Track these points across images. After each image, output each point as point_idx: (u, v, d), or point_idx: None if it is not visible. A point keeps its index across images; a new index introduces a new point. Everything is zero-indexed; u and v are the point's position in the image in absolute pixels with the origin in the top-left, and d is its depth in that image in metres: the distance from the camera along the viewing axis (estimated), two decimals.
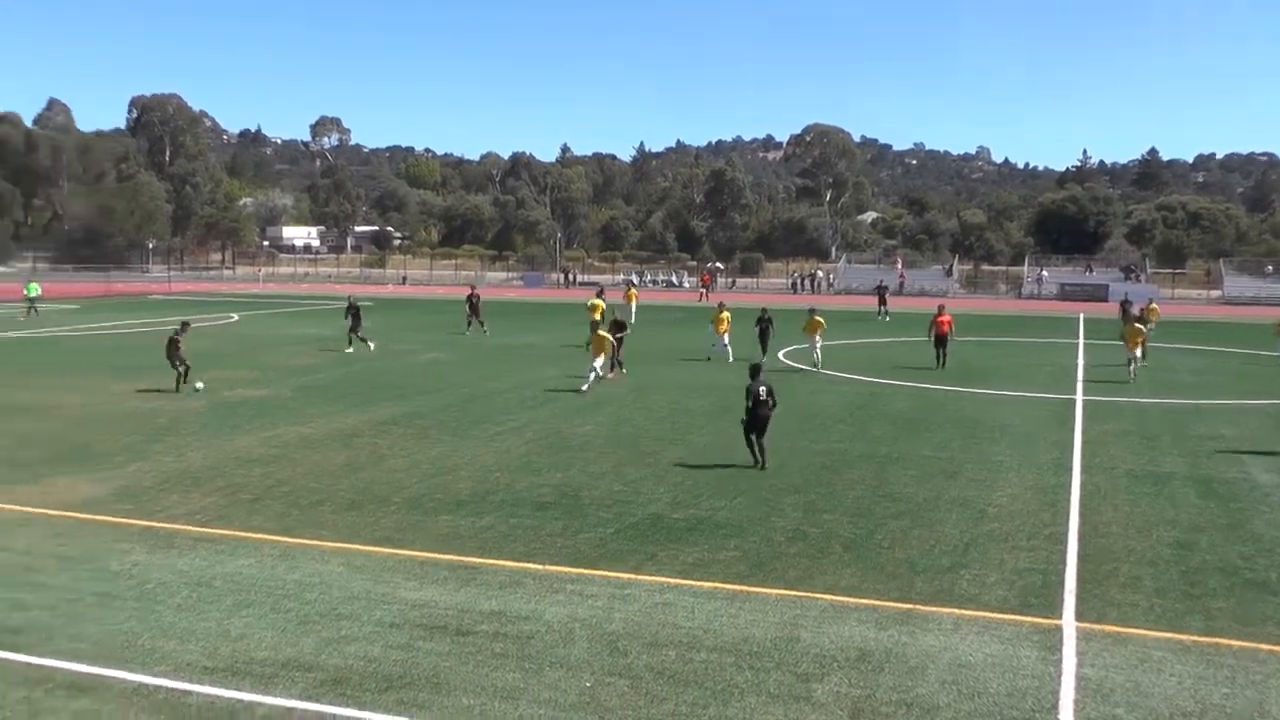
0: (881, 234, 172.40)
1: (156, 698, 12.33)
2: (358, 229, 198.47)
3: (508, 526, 19.24)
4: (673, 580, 16.21)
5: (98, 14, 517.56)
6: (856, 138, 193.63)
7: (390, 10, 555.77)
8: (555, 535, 18.68)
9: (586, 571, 16.64)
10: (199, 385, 34.53)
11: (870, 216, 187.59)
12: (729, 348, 44.34)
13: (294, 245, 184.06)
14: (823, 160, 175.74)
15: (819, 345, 42.85)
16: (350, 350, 46.99)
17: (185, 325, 37.00)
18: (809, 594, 15.61)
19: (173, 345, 35.28)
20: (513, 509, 20.42)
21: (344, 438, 27.52)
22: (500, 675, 12.74)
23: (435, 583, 16.18)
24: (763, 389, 23.68)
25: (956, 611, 15.02)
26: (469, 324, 57.38)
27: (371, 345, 47.59)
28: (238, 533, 18.94)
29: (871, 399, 34.54)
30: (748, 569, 16.80)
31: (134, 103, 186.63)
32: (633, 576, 16.38)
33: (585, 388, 34.63)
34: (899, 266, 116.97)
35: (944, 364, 42.12)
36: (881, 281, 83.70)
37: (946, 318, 42.94)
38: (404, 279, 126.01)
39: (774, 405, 24.07)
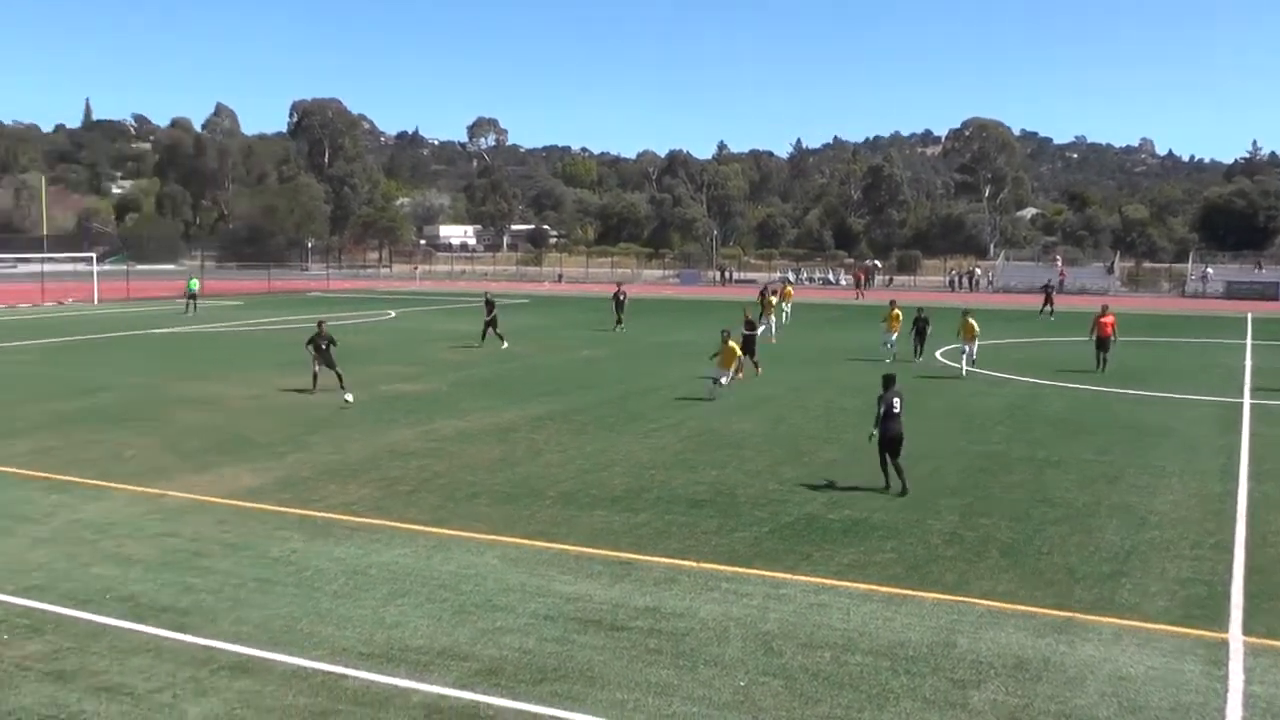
0: (1041, 230, 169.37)
1: (314, 680, 12.67)
2: (514, 227, 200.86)
3: (663, 523, 19.33)
4: (828, 581, 16.13)
5: (262, 23, 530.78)
6: (1016, 131, 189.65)
7: (548, 11, 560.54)
8: (710, 533, 18.72)
9: (741, 570, 16.64)
10: (348, 397, 32.24)
11: (1030, 212, 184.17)
12: (894, 347, 43.77)
13: (450, 244, 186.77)
14: (982, 155, 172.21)
15: (974, 350, 41.10)
16: (479, 347, 47.40)
17: (321, 324, 36.09)
18: (965, 599, 15.40)
19: (326, 344, 34.62)
20: (668, 506, 20.50)
21: (500, 432, 27.89)
22: (654, 671, 12.82)
23: (590, 577, 16.33)
24: (896, 400, 21.84)
25: (1117, 621, 14.62)
26: (618, 321, 57.99)
27: (505, 343, 47.79)
28: (393, 523, 19.33)
29: (1031, 400, 33.91)
30: (903, 571, 16.64)
31: (295, 107, 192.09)
32: (788, 576, 16.34)
33: (711, 393, 33.18)
34: (1059, 264, 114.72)
35: (1104, 367, 40.46)
36: (1050, 280, 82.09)
37: (1110, 319, 41.32)
38: (560, 277, 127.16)
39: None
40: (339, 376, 33.80)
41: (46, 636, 14.06)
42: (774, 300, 49.41)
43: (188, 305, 68.70)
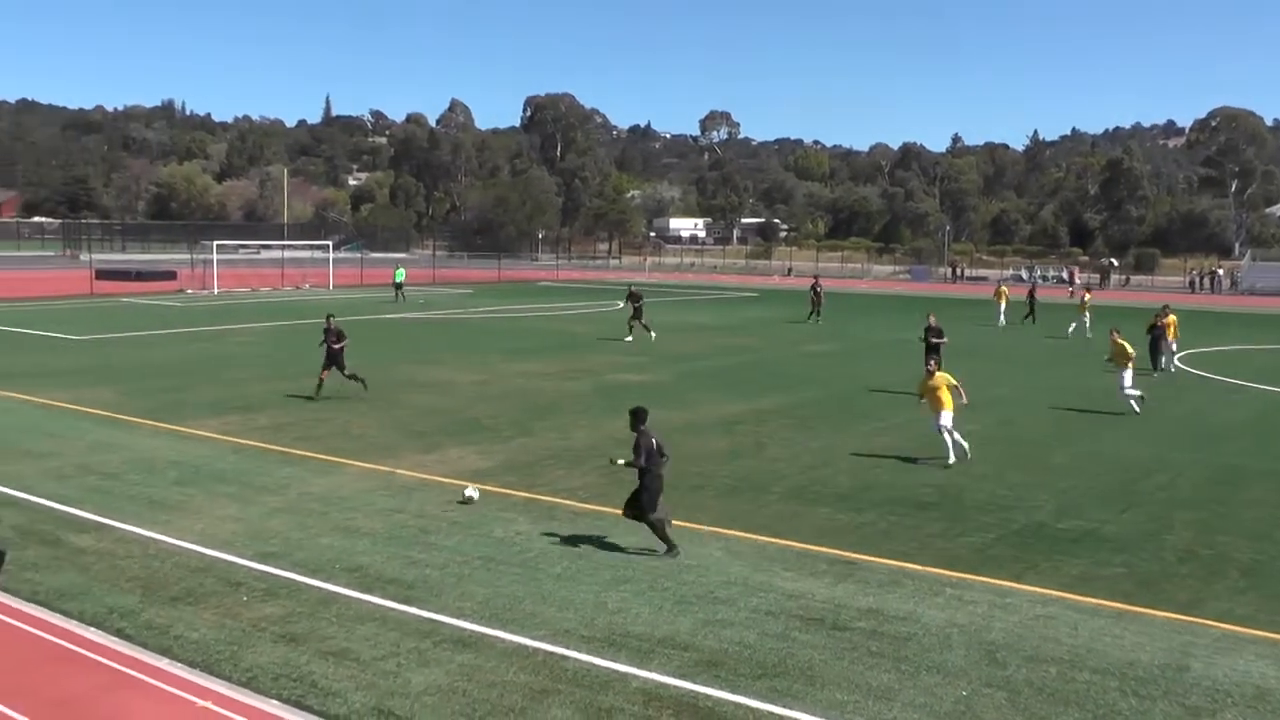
0: None
1: (535, 659, 12.89)
2: (744, 221, 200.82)
3: (887, 524, 19.06)
4: (1055, 593, 15.63)
5: (497, 21, 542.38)
6: (1269, 121, 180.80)
7: (781, 3, 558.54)
8: (935, 536, 18.37)
9: (966, 576, 16.27)
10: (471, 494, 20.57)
11: None
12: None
13: (680, 236, 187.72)
14: (1229, 147, 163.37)
15: (1173, 348, 39.81)
16: (629, 339, 47.04)
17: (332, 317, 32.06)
18: (1200, 620, 14.67)
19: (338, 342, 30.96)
20: (893, 506, 20.20)
21: (726, 425, 27.89)
22: (875, 675, 12.62)
23: (813, 575, 16.18)
24: None
25: None
26: (811, 313, 58.35)
27: (653, 334, 47.41)
28: (617, 511, 19.33)
29: (1276, 411, 32.23)
30: (1134, 587, 15.99)
31: (528, 102, 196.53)
32: (1013, 585, 15.91)
33: (951, 460, 23.86)
34: None
35: None
36: None
37: None
38: (789, 270, 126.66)
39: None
40: (352, 378, 30.73)
41: (281, 601, 14.64)
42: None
43: (396, 294, 70.16)
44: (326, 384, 30.52)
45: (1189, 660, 13.27)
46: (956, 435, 23.96)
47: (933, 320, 36.32)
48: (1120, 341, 31.59)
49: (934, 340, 35.24)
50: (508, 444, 25.20)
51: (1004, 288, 61.89)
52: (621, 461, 17.63)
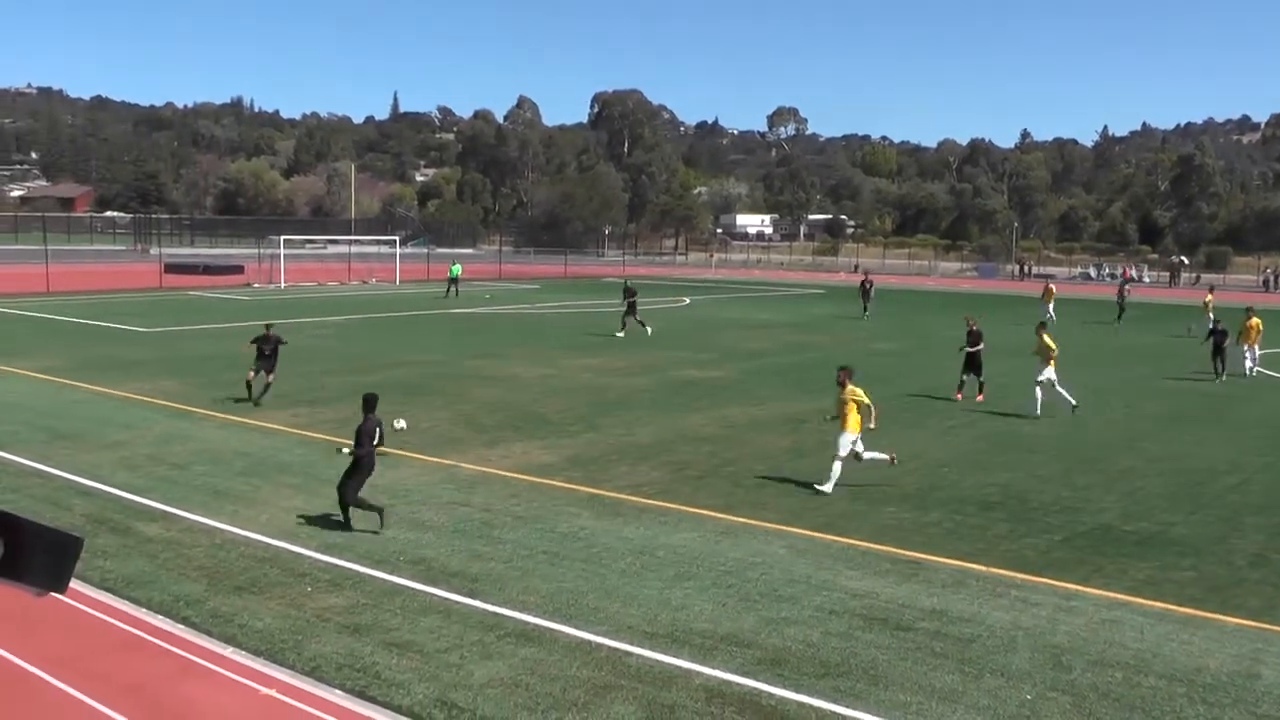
0: None
1: (598, 654, 12.92)
2: (811, 217, 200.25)
3: (953, 524, 18.93)
4: (1121, 596, 15.45)
5: (565, 17, 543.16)
6: None
7: (847, 1, 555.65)
8: (1000, 537, 18.22)
9: (1031, 578, 16.12)
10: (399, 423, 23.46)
11: None
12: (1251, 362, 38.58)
13: (747, 232, 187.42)
14: None
15: (1257, 352, 38.38)
16: (621, 334, 46.67)
17: (270, 328, 30.15)
18: (1272, 627, 14.40)
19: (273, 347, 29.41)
20: (958, 506, 20.06)
21: (792, 422, 27.83)
22: (939, 676, 12.54)
23: (877, 574, 16.11)
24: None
25: None
26: (865, 309, 59.23)
27: (649, 329, 47.14)
28: (682, 507, 19.49)
29: None
30: (1203, 593, 15.75)
31: (596, 99, 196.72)
32: (1079, 588, 15.73)
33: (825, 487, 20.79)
34: None
35: None
36: None
37: None
38: (856, 267, 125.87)
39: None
40: (266, 386, 28.99)
41: (345, 592, 14.77)
42: (1256, 324, 38.23)
43: (449, 289, 69.79)
44: (394, 376, 30.66)
45: (1260, 668, 13.05)
46: (839, 466, 20.84)
47: (973, 325, 32.66)
48: (1045, 339, 30.40)
49: (969, 349, 31.94)
50: (573, 439, 25.27)
51: (1052, 286, 61.87)
52: (346, 450, 18.30)
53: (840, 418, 21.27)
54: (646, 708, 11.57)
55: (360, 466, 17.90)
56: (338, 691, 11.81)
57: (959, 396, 31.41)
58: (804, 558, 16.79)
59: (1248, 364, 38.15)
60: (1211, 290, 59.07)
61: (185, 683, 12.00)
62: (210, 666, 12.38)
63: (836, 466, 20.78)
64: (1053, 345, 29.87)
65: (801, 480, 21.56)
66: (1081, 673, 12.75)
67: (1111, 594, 15.54)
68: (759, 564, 16.40)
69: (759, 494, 20.55)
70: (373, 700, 11.61)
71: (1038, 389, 29.20)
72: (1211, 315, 50.89)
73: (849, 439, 20.99)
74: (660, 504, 19.70)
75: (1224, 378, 36.56)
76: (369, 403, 18.31)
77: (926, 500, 20.43)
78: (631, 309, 48.27)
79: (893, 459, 21.53)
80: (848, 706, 11.72)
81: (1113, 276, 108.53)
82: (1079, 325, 55.83)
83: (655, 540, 17.53)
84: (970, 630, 13.95)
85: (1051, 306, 57.87)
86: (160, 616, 13.79)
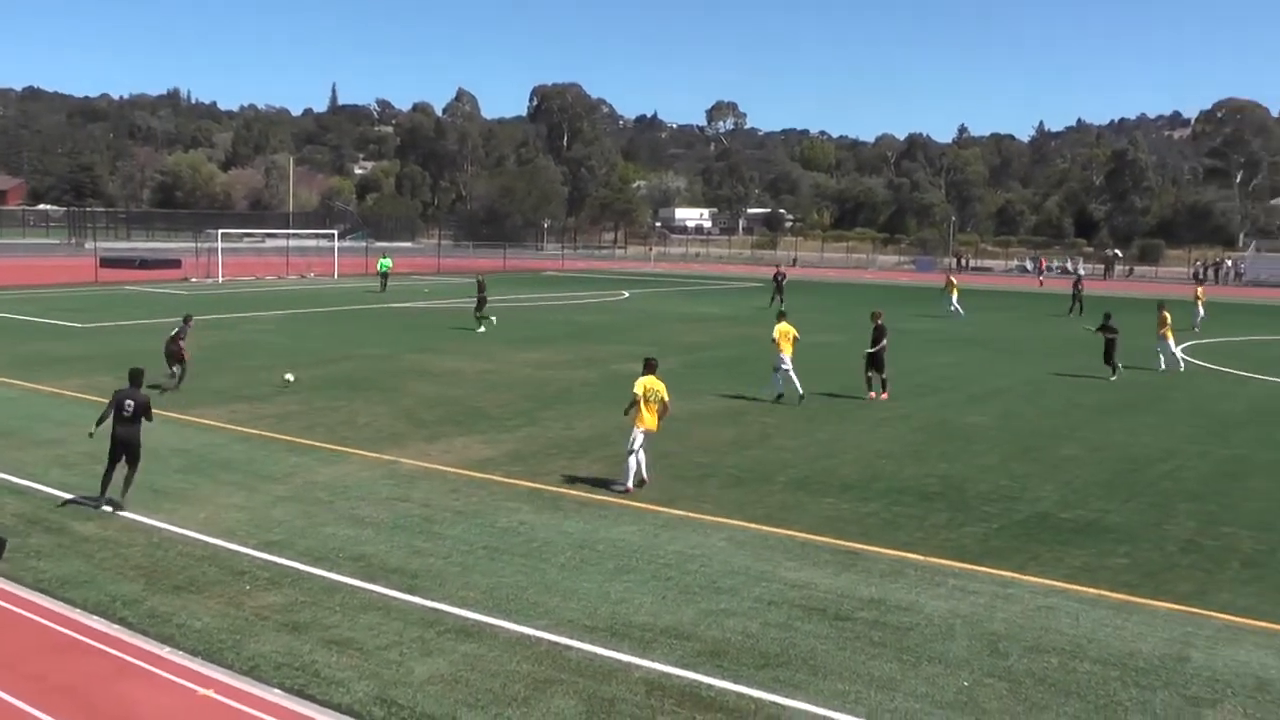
0: None
1: (539, 649, 12.93)
2: (749, 211, 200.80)
3: (891, 514, 19.08)
4: (1057, 584, 15.65)
5: (504, 10, 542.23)
6: (1275, 112, 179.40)
7: None
8: (939, 527, 18.38)
9: (969, 566, 16.30)
10: (289, 376, 30.69)
11: None
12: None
13: (685, 226, 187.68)
14: (1235, 138, 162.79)
15: (1173, 345, 38.62)
16: (481, 330, 46.54)
17: (188, 320, 32.17)
18: (1202, 611, 14.67)
19: (174, 342, 30.35)
20: (897, 496, 20.22)
21: (732, 415, 27.92)
22: (877, 664, 12.65)
23: (816, 565, 16.21)
24: None
25: None
26: (774, 300, 60.79)
27: (483, 328, 46.76)
28: (622, 500, 19.52)
29: None
30: (1137, 579, 15.99)
31: (535, 92, 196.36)
32: (1016, 576, 15.92)
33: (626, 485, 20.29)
34: None
35: None
36: None
37: None
38: (794, 261, 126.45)
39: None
40: (172, 376, 30.04)
41: (284, 590, 14.69)
42: (1166, 317, 38.70)
43: (382, 284, 69.86)
44: (334, 371, 30.52)
45: (1190, 651, 13.30)
46: (639, 459, 20.41)
47: (878, 320, 31.88)
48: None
49: (870, 351, 31.29)
50: (513, 433, 25.23)
51: (953, 278, 62.77)
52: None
53: (637, 415, 20.52)
54: (587, 701, 11.58)
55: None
56: (277, 691, 11.74)
57: (871, 397, 30.83)
58: (743, 549, 16.86)
59: (1176, 354, 38.74)
60: (1201, 283, 58.84)
61: (122, 684, 11.89)
62: (147, 667, 12.27)
63: (631, 462, 20.20)
64: (788, 334, 30.26)
65: (739, 472, 21.69)
66: (1018, 659, 12.91)
67: (1048, 581, 15.74)
68: (698, 556, 16.46)
69: (699, 487, 20.61)
70: (312, 699, 11.55)
71: (777, 375, 30.04)
72: (954, 297, 53.06)
73: (641, 434, 20.34)
74: (600, 498, 19.72)
75: (1116, 376, 35.66)
76: (132, 377, 19.23)
77: (865, 491, 20.56)
78: (480, 304, 48.10)
79: (629, 489, 20.01)
80: (787, 696, 11.78)
81: (1050, 270, 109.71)
82: (1029, 320, 56.29)
83: (595, 534, 17.54)
84: (908, 619, 14.07)
85: (955, 297, 59.14)
86: (96, 617, 13.64)
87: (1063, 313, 61.28)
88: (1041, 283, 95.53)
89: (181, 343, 30.18)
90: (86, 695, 11.58)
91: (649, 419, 20.39)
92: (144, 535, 17.02)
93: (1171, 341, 38.58)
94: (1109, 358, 36.12)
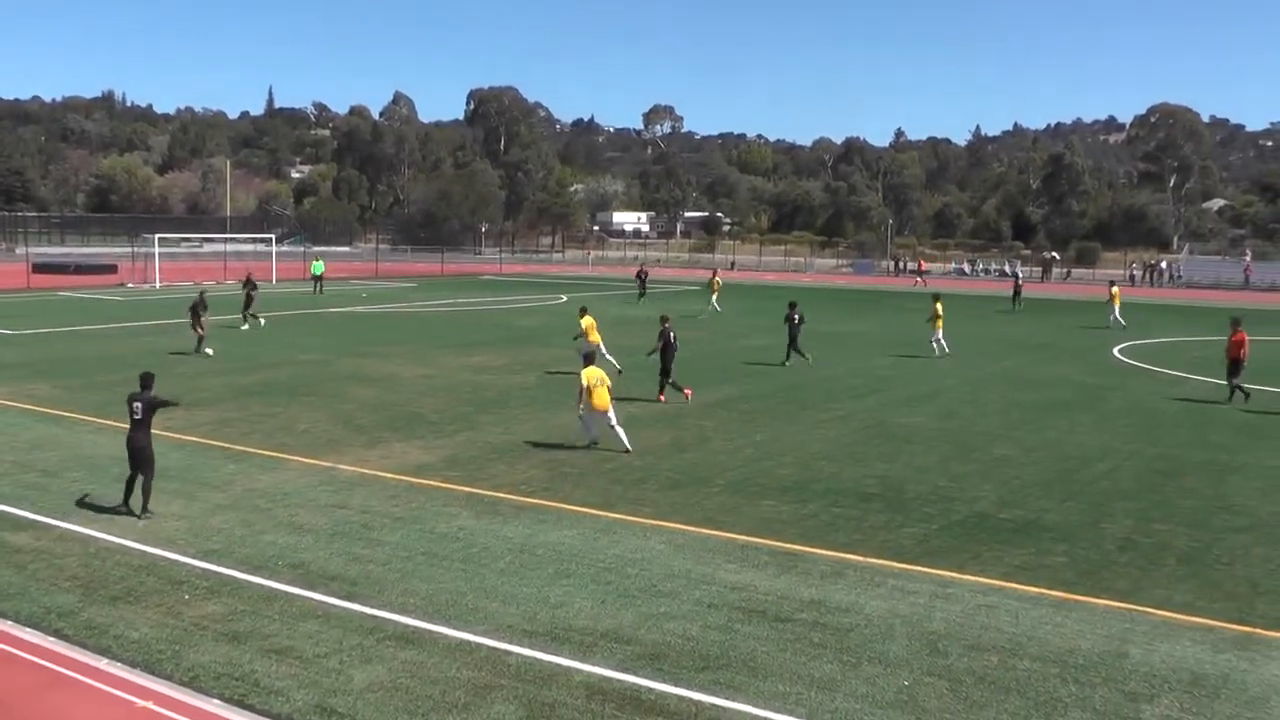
0: (1229, 223, 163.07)
1: (478, 655, 12.89)
2: (687, 214, 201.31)
3: (830, 515, 19.15)
4: (997, 582, 15.78)
5: (440, 13, 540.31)
6: (1205, 118, 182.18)
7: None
8: (878, 528, 18.48)
9: (908, 567, 16.39)
10: (209, 351, 37.66)
11: (1217, 204, 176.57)
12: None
13: (623, 230, 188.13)
14: (1168, 142, 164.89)
15: (940, 335, 41.71)
16: (245, 328, 46.88)
17: (203, 295, 40.56)
18: (1139, 608, 14.85)
19: (194, 314, 38.95)
20: (836, 498, 20.30)
21: (669, 418, 27.92)
22: (817, 665, 12.70)
23: (755, 567, 16.25)
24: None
25: None
26: (641, 295, 66.32)
27: (247, 325, 47.30)
28: (561, 505, 19.50)
29: (1212, 401, 32.46)
30: (1075, 576, 16.16)
31: (472, 95, 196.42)
32: (955, 575, 16.04)
33: (582, 440, 24.43)
34: (1247, 259, 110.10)
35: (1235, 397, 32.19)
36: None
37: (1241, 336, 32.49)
38: (732, 264, 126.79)
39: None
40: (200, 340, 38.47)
41: (223, 599, 14.55)
42: (937, 309, 41.78)
43: (316, 287, 70.11)
44: (272, 377, 30.37)
45: (1128, 647, 13.46)
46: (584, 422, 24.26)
47: (666, 324, 32.22)
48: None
49: (652, 353, 31.99)
50: (451, 438, 25.13)
51: (718, 279, 64.68)
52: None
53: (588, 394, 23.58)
54: (527, 706, 11.55)
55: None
56: (216, 701, 11.63)
57: (661, 399, 30.45)
58: (683, 552, 16.88)
59: (944, 344, 41.67)
60: (1113, 284, 59.68)
61: (56, 696, 11.73)
62: (83, 679, 12.11)
63: (579, 424, 24.31)
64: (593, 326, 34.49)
65: (677, 475, 21.73)
66: (958, 658, 13.00)
67: (987, 580, 15.87)
68: (638, 560, 16.47)
69: (638, 490, 20.61)
70: (252, 709, 11.45)
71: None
72: (715, 298, 54.76)
73: (591, 411, 23.74)
74: (539, 502, 19.68)
75: (794, 361, 38.29)
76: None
77: (804, 493, 20.63)
78: (248, 302, 48.17)
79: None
80: (728, 699, 11.80)
81: (987, 272, 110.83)
82: (966, 320, 56.67)
83: (534, 538, 17.50)
84: (848, 620, 14.14)
85: (715, 298, 60.80)
86: (29, 629, 13.45)
87: (1006, 309, 64.71)
88: (919, 283, 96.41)
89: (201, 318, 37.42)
90: (19, 710, 11.41)
91: (600, 400, 23.51)
92: (80, 545, 16.80)
93: (939, 332, 41.57)
94: (793, 344, 38.68)
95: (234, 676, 12.14)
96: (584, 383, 23.63)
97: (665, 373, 30.95)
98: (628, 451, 23.46)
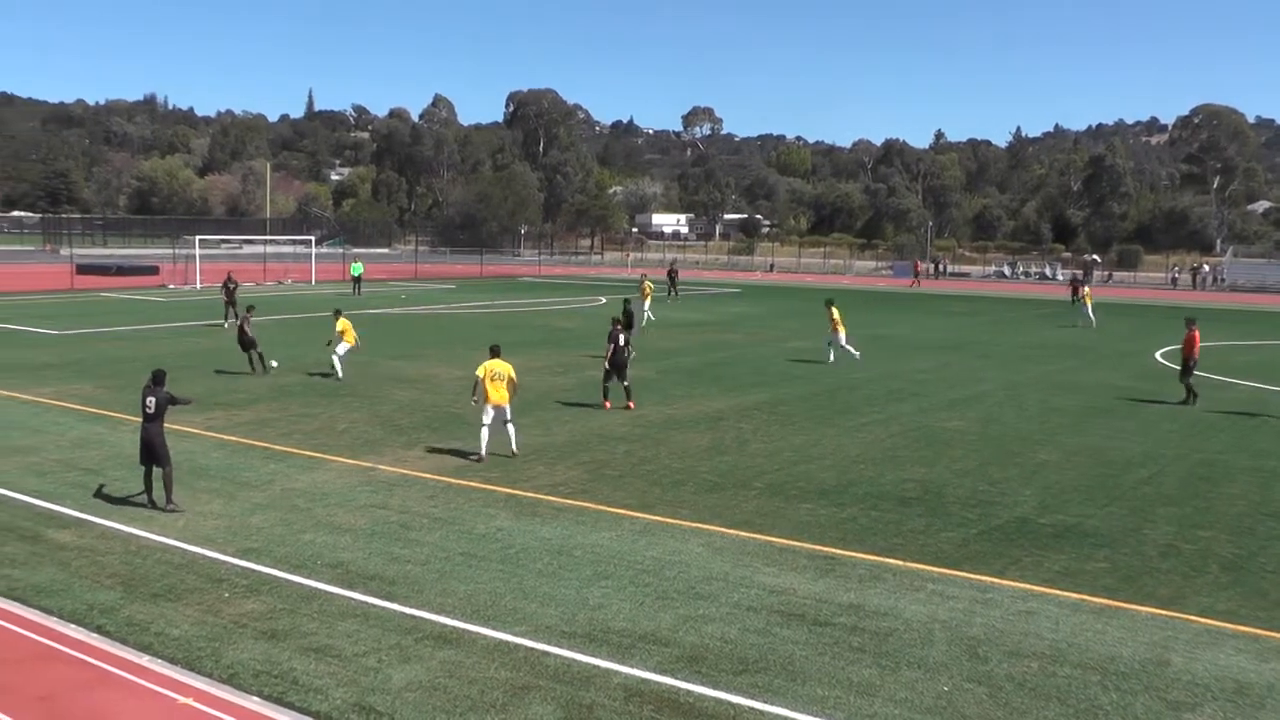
0: (1274, 225, 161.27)
1: (516, 655, 12.91)
2: (726, 216, 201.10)
3: (869, 519, 19.08)
4: (1037, 588, 15.68)
5: (480, 16, 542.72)
6: (1251, 118, 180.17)
7: (763, 0, 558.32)
8: (917, 532, 18.40)
9: (948, 571, 16.31)
10: (274, 364, 34.12)
11: (1262, 206, 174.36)
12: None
13: (662, 232, 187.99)
14: (1211, 144, 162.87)
15: (844, 341, 39.28)
16: (225, 325, 46.65)
17: (251, 309, 37.09)
18: (1181, 615, 14.73)
19: (241, 331, 35.08)
20: (875, 502, 20.23)
21: (708, 420, 27.88)
22: (856, 670, 12.65)
23: (794, 570, 16.20)
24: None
25: None
26: (670, 294, 66.90)
27: (227, 323, 46.65)
28: (599, 506, 19.50)
29: (1260, 407, 32.13)
30: (1116, 583, 16.04)
31: (511, 98, 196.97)
32: (995, 581, 15.95)
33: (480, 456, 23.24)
34: None
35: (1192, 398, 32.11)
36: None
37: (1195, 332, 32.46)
38: (771, 266, 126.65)
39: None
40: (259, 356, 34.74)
41: (262, 597, 14.62)
42: (835, 313, 39.71)
43: (354, 289, 70.51)
44: (319, 379, 30.47)
45: (1170, 655, 13.33)
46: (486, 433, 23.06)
47: (616, 327, 30.13)
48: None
49: (614, 347, 29.63)
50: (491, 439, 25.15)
51: (648, 284, 56.11)
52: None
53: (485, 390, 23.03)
54: (565, 708, 11.56)
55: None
56: (255, 698, 11.69)
57: (607, 405, 29.51)
58: (721, 555, 16.85)
59: (848, 349, 39.43)
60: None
61: (100, 693, 11.81)
62: (126, 676, 12.20)
63: (484, 434, 23.05)
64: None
65: (715, 478, 21.69)
66: (998, 664, 12.92)
67: (1028, 586, 15.76)
68: (676, 562, 16.44)
69: (676, 493, 20.60)
70: (291, 706, 11.50)
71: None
72: (647, 305, 52.94)
73: (490, 409, 22.99)
74: (578, 504, 19.69)
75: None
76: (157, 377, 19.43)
77: (843, 496, 20.57)
78: (231, 301, 48.27)
79: (482, 458, 22.99)
80: (766, 702, 11.77)
81: (1027, 275, 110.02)
82: (1006, 324, 56.47)
83: (572, 540, 17.52)
84: (887, 624, 14.08)
85: (648, 305, 54.48)
86: (73, 625, 13.56)
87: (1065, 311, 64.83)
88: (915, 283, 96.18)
89: (247, 328, 34.61)
90: (63, 705, 11.51)
91: (495, 395, 22.92)
92: (121, 543, 16.92)
93: (841, 336, 39.35)
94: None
95: (273, 674, 12.20)
96: (478, 374, 23.02)
97: (606, 375, 29.70)
98: (513, 455, 23.22)
